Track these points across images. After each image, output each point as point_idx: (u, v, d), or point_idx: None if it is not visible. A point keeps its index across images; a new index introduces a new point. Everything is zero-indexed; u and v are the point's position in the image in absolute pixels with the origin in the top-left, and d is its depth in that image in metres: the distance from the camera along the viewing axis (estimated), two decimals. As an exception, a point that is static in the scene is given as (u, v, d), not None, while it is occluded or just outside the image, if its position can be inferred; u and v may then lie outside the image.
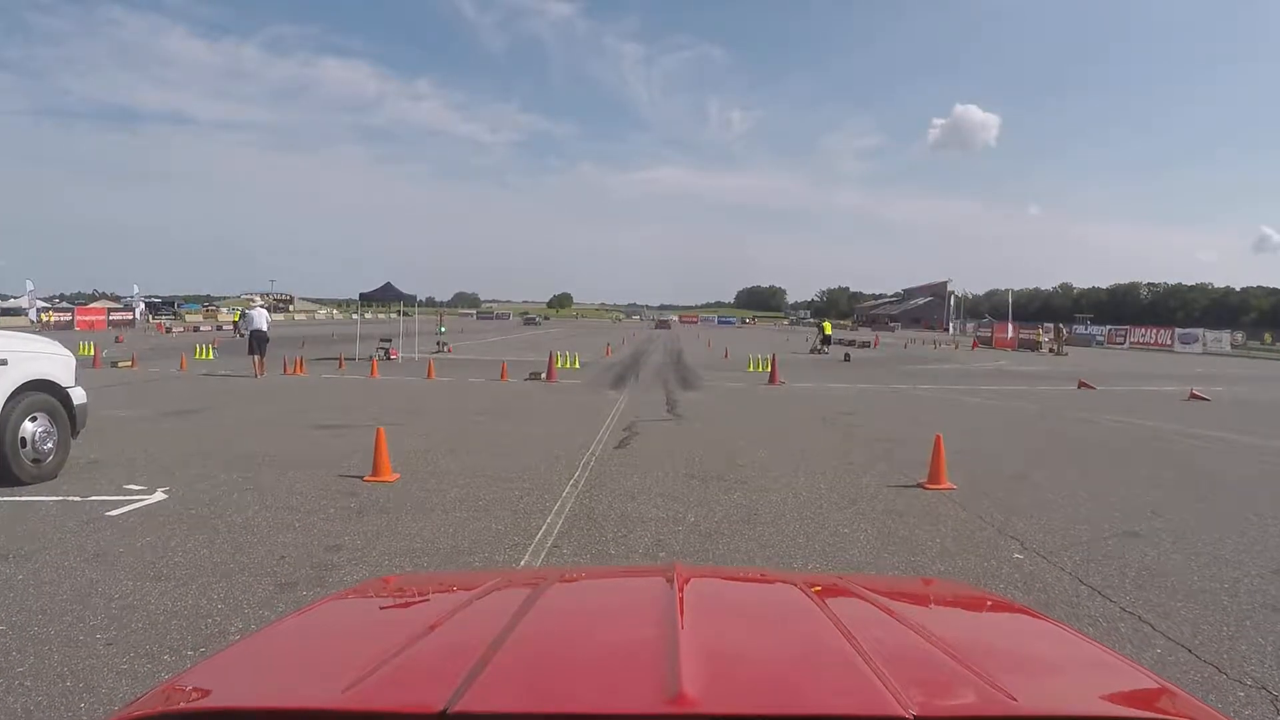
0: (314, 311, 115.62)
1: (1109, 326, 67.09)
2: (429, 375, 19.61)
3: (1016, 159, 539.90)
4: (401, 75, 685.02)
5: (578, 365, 24.63)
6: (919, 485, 7.95)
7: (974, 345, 53.96)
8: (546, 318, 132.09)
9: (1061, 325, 55.17)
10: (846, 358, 32.78)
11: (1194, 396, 18.77)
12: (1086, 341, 60.68)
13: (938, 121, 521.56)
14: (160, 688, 1.15)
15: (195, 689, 1.14)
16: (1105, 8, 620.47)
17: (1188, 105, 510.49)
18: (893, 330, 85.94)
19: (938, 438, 8.14)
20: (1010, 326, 55.26)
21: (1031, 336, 50.75)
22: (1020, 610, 1.80)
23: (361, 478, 7.79)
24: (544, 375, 19.61)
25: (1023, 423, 13.63)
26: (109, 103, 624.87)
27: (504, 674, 1.06)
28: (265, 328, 19.74)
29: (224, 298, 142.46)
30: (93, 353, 25.97)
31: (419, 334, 31.78)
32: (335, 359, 23.66)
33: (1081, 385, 21.35)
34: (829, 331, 41.65)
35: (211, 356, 25.23)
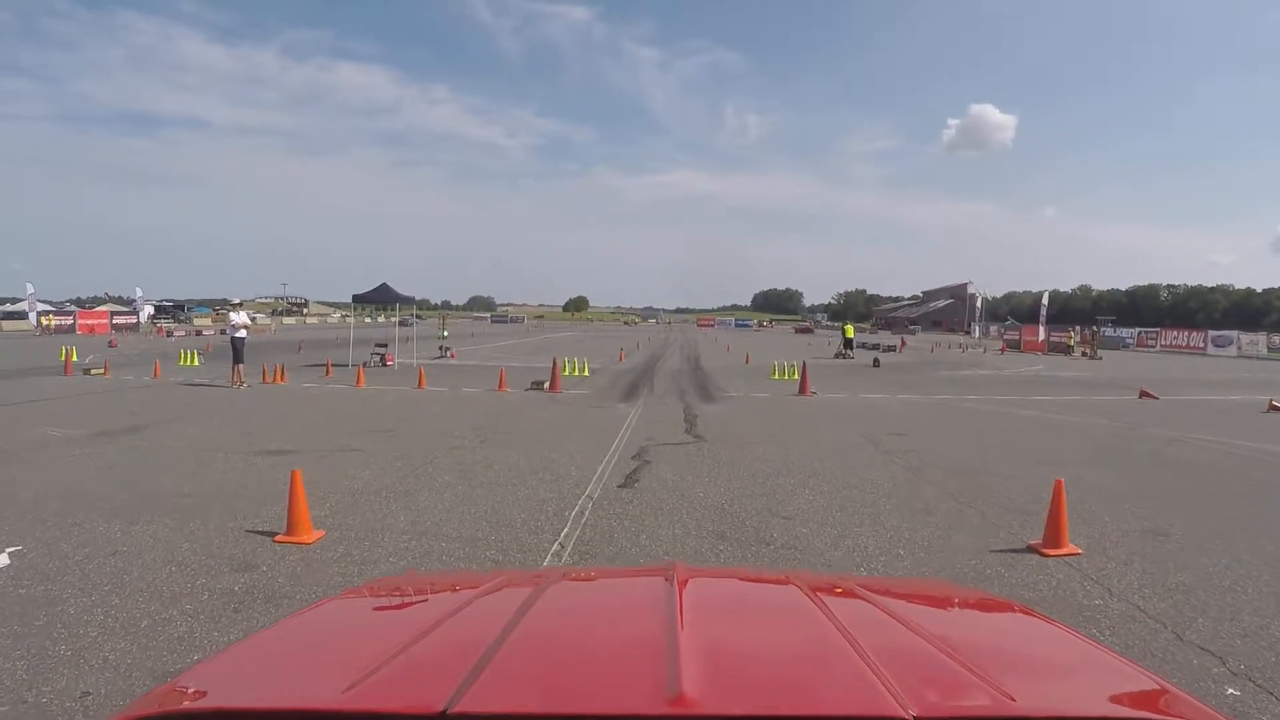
0: (327, 315, 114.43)
1: (1139, 329, 64.17)
2: (419, 384, 17.65)
3: (1033, 160, 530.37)
4: (418, 80, 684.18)
5: (586, 373, 22.58)
6: (1031, 549, 5.85)
7: (1003, 349, 51.45)
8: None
9: (1094, 328, 52.78)
10: (876, 363, 30.60)
11: (1273, 408, 16.58)
12: (1115, 344, 57.85)
13: (953, 122, 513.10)
14: (160, 688, 1.15)
15: (195, 689, 1.12)
16: (1119, 8, 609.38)
17: (1205, 105, 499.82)
18: (913, 333, 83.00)
19: (1058, 485, 5.95)
20: (1041, 329, 52.54)
21: (1062, 340, 48.31)
22: (1020, 610, 1.71)
23: (274, 536, 5.82)
24: (547, 385, 17.59)
25: (1109, 446, 11.45)
26: (126, 108, 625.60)
27: (504, 674, 1.05)
28: (243, 333, 17.90)
29: (240, 302, 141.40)
30: (73, 358, 24.54)
31: (422, 338, 29.95)
32: (326, 365, 21.75)
33: (1144, 395, 19.11)
34: (851, 335, 39.38)
35: (196, 363, 23.44)
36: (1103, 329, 59.67)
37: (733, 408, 15.20)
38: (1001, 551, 5.86)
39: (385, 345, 24.34)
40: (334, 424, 11.87)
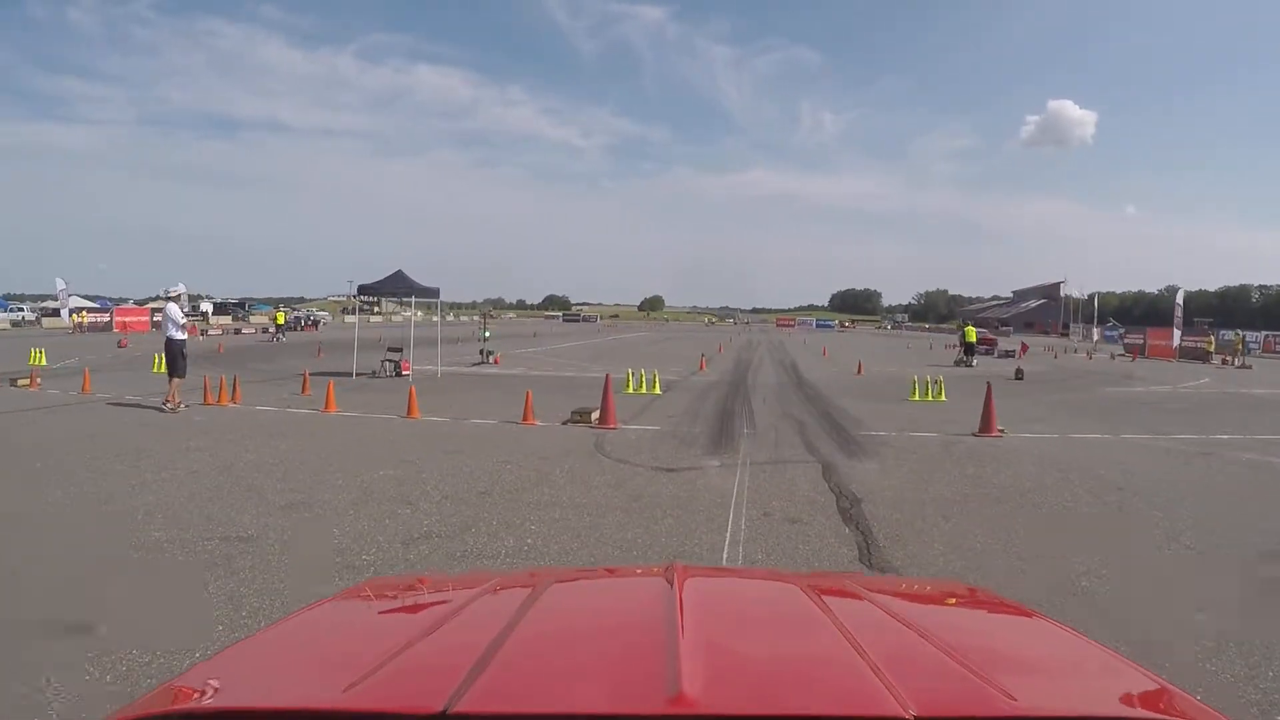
0: (394, 313, 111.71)
1: (1265, 333, 57.19)
2: (409, 411, 12.06)
3: (1114, 157, 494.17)
4: (495, 81, 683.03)
5: (658, 388, 16.68)
6: None
7: (1133, 355, 44.39)
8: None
9: (1238, 332, 45.78)
10: (1019, 375, 23.83)
11: None
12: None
13: (1031, 119, 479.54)
14: (161, 688, 1.11)
15: (195, 689, 1.09)
16: (1198, 10, 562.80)
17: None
18: (1006, 334, 74.43)
19: None
20: (1176, 333, 45.09)
21: (1199, 345, 41.26)
22: (1021, 610, 1.66)
23: None
24: (595, 415, 11.64)
25: None
26: (208, 112, 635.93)
27: (504, 674, 1.02)
28: (181, 335, 12.80)
29: (315, 299, 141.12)
30: (43, 361, 20.69)
31: (463, 339, 24.75)
32: (303, 379, 16.49)
33: None
34: (973, 339, 32.56)
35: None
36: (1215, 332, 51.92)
37: (906, 470, 8.97)
38: None
39: (400, 350, 19.03)
40: (163, 517, 6.32)
